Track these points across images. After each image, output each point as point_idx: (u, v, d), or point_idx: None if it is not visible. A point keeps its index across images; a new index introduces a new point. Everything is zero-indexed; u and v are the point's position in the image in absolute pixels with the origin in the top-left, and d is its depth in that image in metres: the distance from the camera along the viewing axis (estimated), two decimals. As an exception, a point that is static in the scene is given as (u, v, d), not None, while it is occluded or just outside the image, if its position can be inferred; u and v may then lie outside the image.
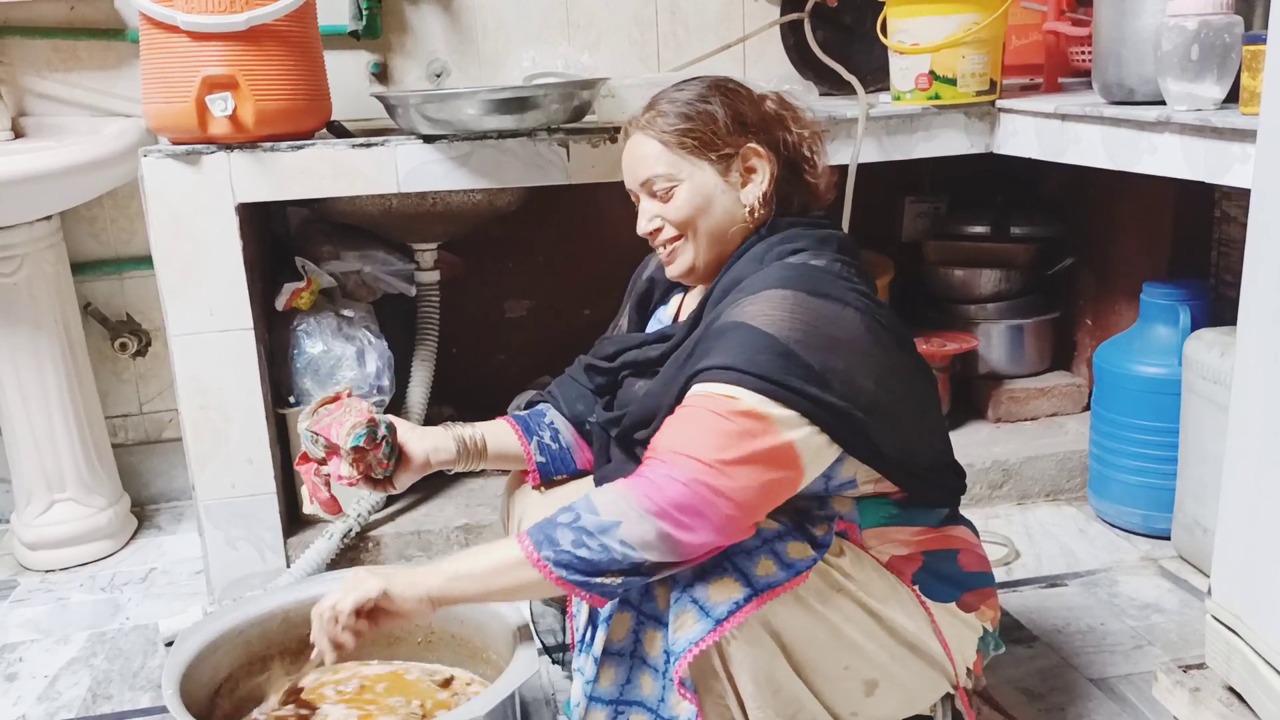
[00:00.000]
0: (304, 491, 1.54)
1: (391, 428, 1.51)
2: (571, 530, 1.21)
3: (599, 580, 1.21)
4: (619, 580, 1.22)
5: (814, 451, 1.28)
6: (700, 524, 1.20)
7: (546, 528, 1.24)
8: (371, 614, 1.29)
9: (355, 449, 1.45)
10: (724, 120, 1.43)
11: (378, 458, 1.48)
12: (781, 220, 1.45)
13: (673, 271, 1.49)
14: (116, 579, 2.36)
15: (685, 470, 1.21)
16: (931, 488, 1.44)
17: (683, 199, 1.43)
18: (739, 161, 1.44)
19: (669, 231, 1.46)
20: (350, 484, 1.47)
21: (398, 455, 1.52)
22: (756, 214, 1.44)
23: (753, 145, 1.43)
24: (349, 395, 1.51)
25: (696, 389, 1.28)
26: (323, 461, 1.48)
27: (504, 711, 1.31)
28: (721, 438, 1.22)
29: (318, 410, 1.50)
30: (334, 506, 1.49)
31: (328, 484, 1.48)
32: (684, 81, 1.50)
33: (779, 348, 1.26)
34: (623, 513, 1.20)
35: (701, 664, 1.24)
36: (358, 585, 1.29)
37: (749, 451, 1.23)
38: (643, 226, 1.48)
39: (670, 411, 1.32)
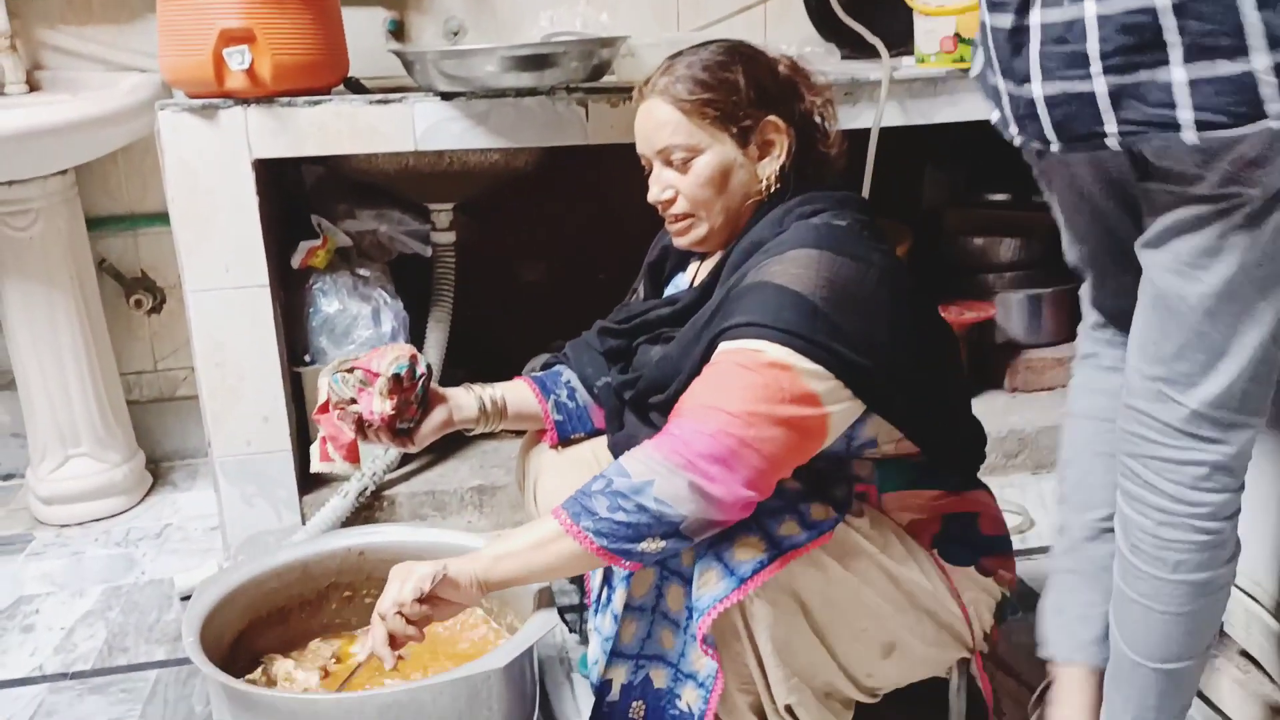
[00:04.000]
0: (314, 449, 1.50)
1: (430, 372, 1.50)
2: (606, 496, 1.19)
3: (640, 547, 1.20)
4: (660, 545, 1.20)
5: (839, 407, 1.27)
6: (728, 475, 1.19)
7: (581, 498, 1.22)
8: (430, 600, 1.25)
9: (394, 378, 1.43)
10: (745, 90, 1.39)
11: (410, 400, 1.47)
12: (800, 185, 1.42)
13: (683, 242, 1.46)
14: (131, 534, 2.36)
15: (711, 422, 1.20)
16: (951, 449, 1.43)
17: (701, 172, 1.40)
18: (757, 135, 1.40)
19: (682, 204, 1.42)
20: (381, 420, 1.44)
21: (425, 407, 1.51)
22: (772, 189, 1.42)
23: (772, 119, 1.40)
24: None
25: (723, 346, 1.27)
26: (351, 402, 1.45)
27: (522, 665, 1.31)
28: (748, 390, 1.22)
29: (342, 364, 1.48)
30: (354, 453, 1.47)
31: (354, 424, 1.46)
32: (701, 44, 1.45)
33: (805, 305, 1.25)
34: (654, 471, 1.19)
35: (723, 623, 1.24)
36: (412, 572, 1.25)
37: (776, 403, 1.22)
38: (655, 195, 1.45)
39: (693, 374, 1.31)
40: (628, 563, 1.22)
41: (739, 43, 1.46)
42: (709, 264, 1.52)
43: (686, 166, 1.40)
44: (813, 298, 1.25)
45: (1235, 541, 1.25)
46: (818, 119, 1.46)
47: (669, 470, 1.18)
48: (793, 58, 1.48)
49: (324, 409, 1.47)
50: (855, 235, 1.35)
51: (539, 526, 1.25)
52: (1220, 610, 1.27)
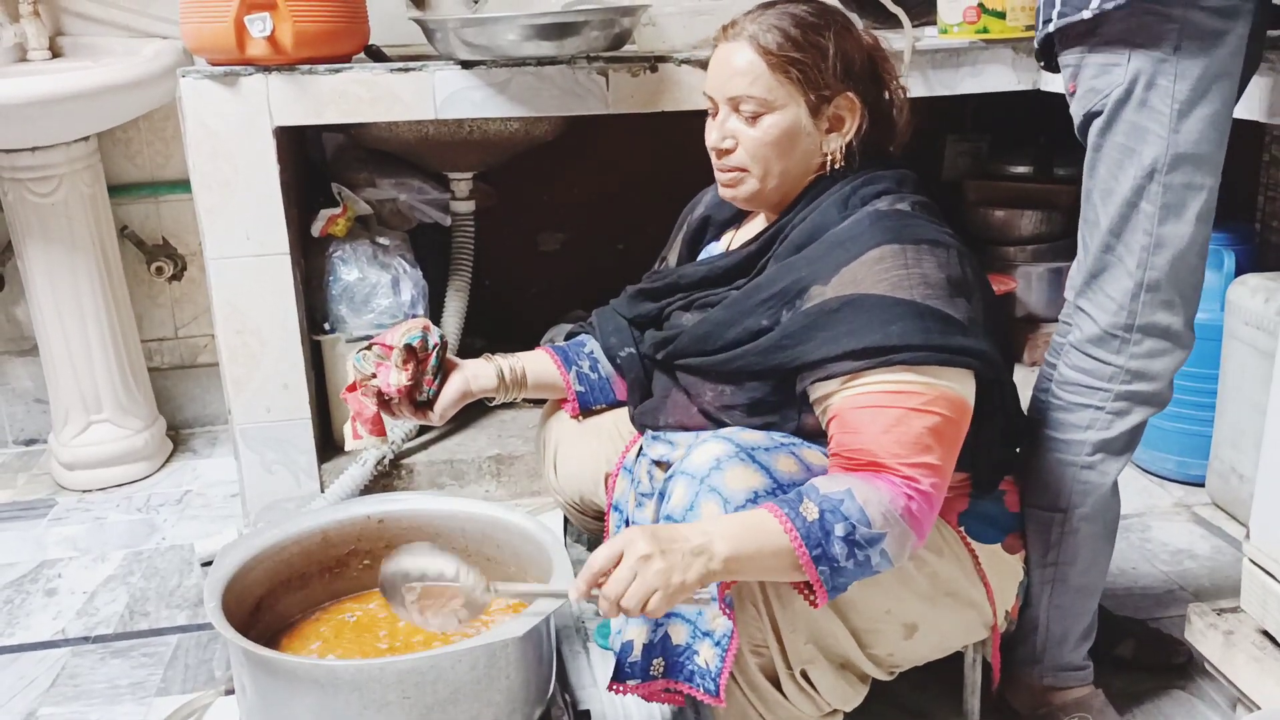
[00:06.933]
0: (346, 429, 1.53)
1: (444, 344, 1.51)
2: (846, 544, 1.18)
3: (841, 587, 1.22)
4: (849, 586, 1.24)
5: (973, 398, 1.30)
6: (931, 522, 1.24)
7: (823, 539, 1.18)
8: None
9: (407, 348, 1.45)
10: (833, 59, 1.35)
11: (425, 372, 1.48)
12: (859, 165, 1.40)
13: (730, 194, 1.43)
14: (152, 500, 2.39)
15: (927, 480, 1.21)
16: (995, 437, 1.42)
17: (768, 130, 1.36)
18: (831, 108, 1.37)
19: (740, 157, 1.39)
20: (399, 392, 1.45)
21: (442, 378, 1.51)
22: (836, 164, 1.39)
23: (849, 95, 1.37)
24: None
25: (876, 381, 1.24)
26: (371, 377, 1.47)
27: (539, 633, 1.32)
28: (940, 437, 1.23)
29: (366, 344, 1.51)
30: (379, 426, 1.48)
31: (376, 398, 1.47)
32: None
33: (917, 309, 1.24)
34: (889, 525, 1.19)
35: (741, 586, 1.25)
36: (670, 579, 1.12)
37: (959, 438, 1.26)
38: (714, 141, 1.41)
39: (765, 368, 1.32)
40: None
41: (834, 7, 1.42)
42: (746, 231, 1.50)
43: (755, 120, 1.37)
44: (920, 300, 1.25)
45: None
46: (890, 102, 1.43)
47: (903, 531, 1.20)
48: (875, 35, 1.45)
49: (351, 389, 1.49)
50: (921, 219, 1.33)
51: (772, 542, 1.18)
52: None
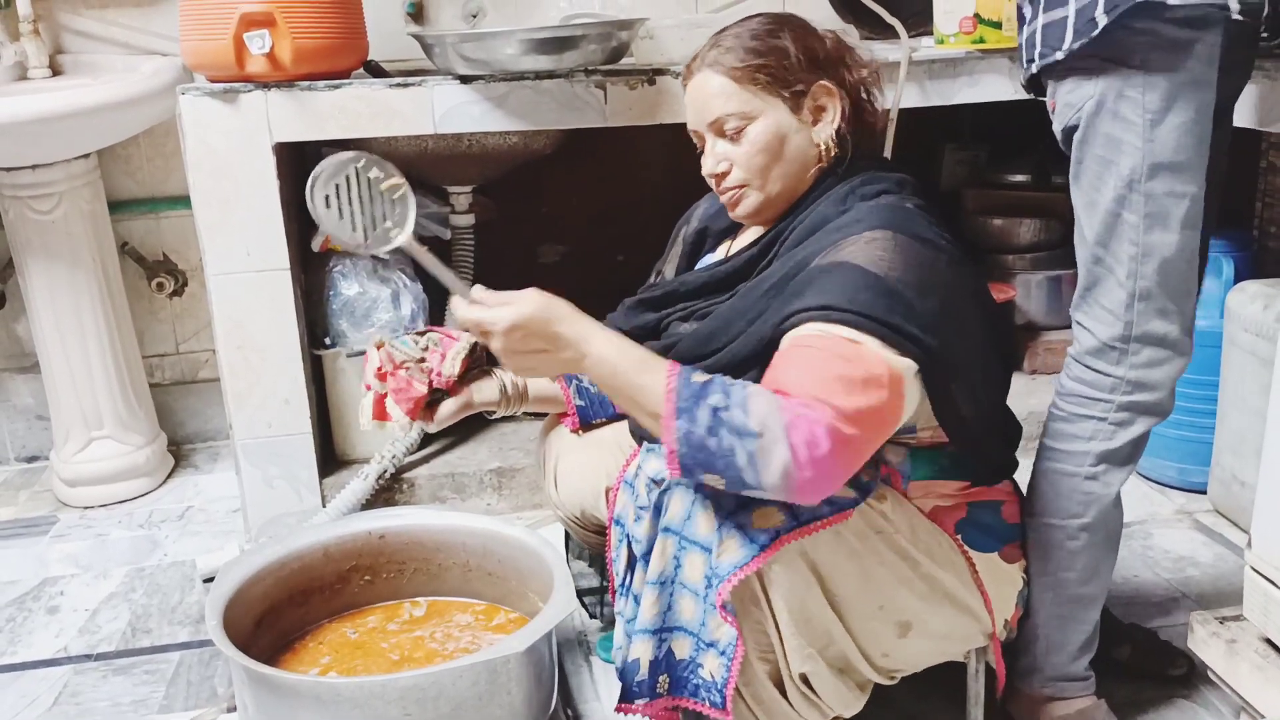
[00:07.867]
0: (365, 404, 1.48)
1: (488, 355, 1.51)
2: (713, 415, 1.15)
3: (701, 476, 1.17)
4: (719, 485, 1.18)
5: (913, 397, 1.27)
6: (820, 475, 1.15)
7: (695, 397, 1.16)
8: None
9: (473, 345, 1.48)
10: (795, 55, 1.38)
11: (465, 374, 1.48)
12: (856, 162, 1.42)
13: (738, 213, 1.44)
14: (154, 516, 2.39)
15: (824, 414, 1.15)
16: (988, 444, 1.42)
17: (755, 139, 1.38)
18: (809, 100, 1.39)
19: (737, 175, 1.40)
20: (447, 382, 1.47)
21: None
22: (831, 153, 1.40)
23: (824, 83, 1.39)
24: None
25: (813, 328, 1.24)
26: (420, 361, 1.45)
27: (541, 648, 1.32)
28: (851, 386, 1.18)
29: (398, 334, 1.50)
30: (418, 407, 1.46)
31: (429, 381, 1.45)
32: (746, 18, 1.44)
33: (884, 286, 1.24)
34: (767, 426, 1.14)
35: (742, 591, 1.25)
36: (537, 329, 1.32)
37: (875, 402, 1.20)
38: (709, 168, 1.42)
39: (758, 344, 1.30)
40: (681, 475, 1.19)
41: (786, 14, 1.45)
42: (744, 239, 1.51)
43: (740, 136, 1.38)
44: (892, 280, 1.25)
45: None
46: (864, 94, 1.45)
47: (779, 435, 1.13)
48: (837, 34, 1.46)
49: (382, 375, 1.46)
50: (922, 219, 1.34)
51: (650, 382, 1.20)
52: None
